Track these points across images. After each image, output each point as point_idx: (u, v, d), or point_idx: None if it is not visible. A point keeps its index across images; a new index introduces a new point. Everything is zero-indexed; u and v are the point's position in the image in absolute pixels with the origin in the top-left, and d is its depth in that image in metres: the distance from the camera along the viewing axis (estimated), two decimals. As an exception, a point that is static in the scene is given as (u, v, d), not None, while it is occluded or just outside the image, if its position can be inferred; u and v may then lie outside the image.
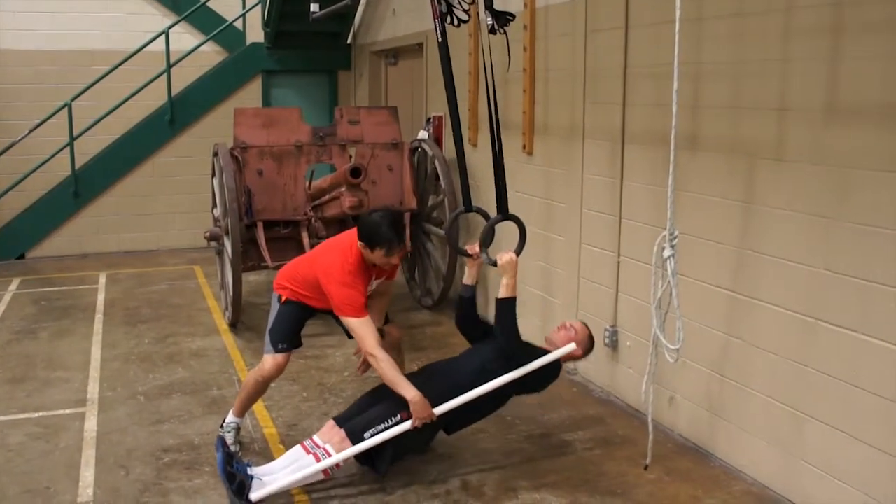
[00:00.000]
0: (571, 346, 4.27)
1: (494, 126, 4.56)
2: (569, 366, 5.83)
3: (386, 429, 3.99)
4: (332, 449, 3.95)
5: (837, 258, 3.64)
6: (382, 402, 4.10)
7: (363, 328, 4.10)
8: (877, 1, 3.38)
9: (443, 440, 4.69)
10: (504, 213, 4.62)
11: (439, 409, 4.04)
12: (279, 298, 4.51)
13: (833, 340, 3.68)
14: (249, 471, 3.96)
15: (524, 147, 6.23)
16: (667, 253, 3.55)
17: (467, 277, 4.47)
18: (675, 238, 3.56)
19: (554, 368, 4.32)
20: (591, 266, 5.52)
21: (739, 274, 4.22)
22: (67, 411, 5.20)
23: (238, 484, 3.92)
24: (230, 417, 4.62)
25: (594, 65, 5.37)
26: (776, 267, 3.98)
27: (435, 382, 4.15)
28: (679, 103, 3.50)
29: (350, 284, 4.13)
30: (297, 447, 4.06)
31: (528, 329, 5.92)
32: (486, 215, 4.76)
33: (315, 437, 4.05)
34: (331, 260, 4.23)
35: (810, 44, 3.71)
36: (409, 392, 3.97)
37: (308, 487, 4.14)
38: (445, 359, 4.51)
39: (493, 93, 4.52)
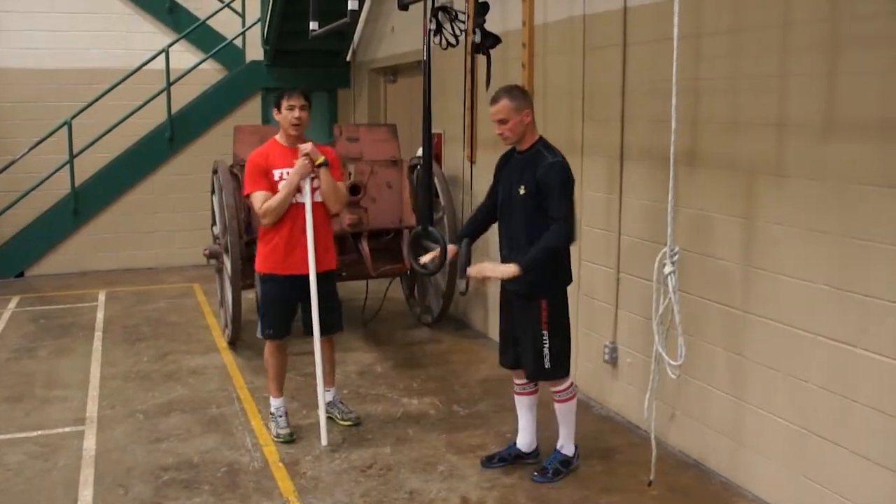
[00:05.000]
0: None
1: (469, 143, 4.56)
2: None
3: None
4: None
5: (837, 273, 3.64)
6: None
7: (256, 199, 4.81)
8: (874, 16, 3.40)
9: (442, 457, 4.68)
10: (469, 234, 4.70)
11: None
12: (261, 278, 4.97)
13: (833, 355, 3.67)
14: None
15: (523, 163, 6.24)
16: (668, 269, 3.56)
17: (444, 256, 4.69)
18: (675, 254, 3.57)
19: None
20: (591, 282, 5.51)
21: (739, 289, 4.22)
22: (66, 430, 5.18)
23: None
24: (272, 404, 5.04)
25: (592, 82, 5.39)
26: (776, 282, 3.98)
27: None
28: (678, 119, 3.52)
29: (250, 173, 4.85)
30: None
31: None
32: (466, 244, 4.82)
33: None
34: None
35: (808, 59, 3.72)
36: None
37: (305, 500, 4.14)
38: None
39: (471, 111, 4.55)
